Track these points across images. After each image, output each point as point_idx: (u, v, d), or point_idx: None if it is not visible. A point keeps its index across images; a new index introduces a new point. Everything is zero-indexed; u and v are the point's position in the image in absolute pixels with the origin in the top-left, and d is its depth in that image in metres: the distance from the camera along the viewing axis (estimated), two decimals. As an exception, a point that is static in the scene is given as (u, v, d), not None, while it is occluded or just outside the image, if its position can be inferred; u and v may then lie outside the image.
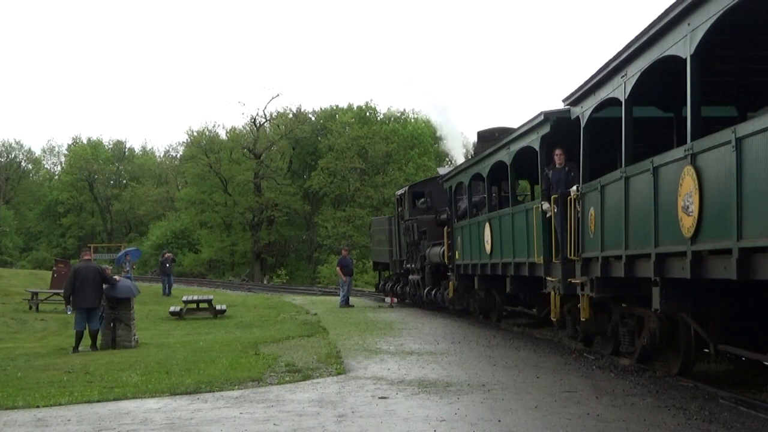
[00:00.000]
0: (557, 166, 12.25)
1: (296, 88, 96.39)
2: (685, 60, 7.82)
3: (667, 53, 8.26)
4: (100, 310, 15.04)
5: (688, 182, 7.68)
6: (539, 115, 12.37)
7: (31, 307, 23.23)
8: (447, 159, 53.33)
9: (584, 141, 11.29)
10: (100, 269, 15.10)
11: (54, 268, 29.50)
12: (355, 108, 65.99)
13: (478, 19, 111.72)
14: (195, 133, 67.06)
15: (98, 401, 8.68)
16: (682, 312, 9.18)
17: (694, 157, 7.61)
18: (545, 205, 12.38)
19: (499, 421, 7.08)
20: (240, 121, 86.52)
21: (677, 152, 8.17)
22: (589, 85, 10.77)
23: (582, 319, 11.43)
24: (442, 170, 26.86)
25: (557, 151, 12.22)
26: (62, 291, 16.81)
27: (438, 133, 46.82)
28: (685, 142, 7.84)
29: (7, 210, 77.12)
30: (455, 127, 38.15)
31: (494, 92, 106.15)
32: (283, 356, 12.25)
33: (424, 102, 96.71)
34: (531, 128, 12.99)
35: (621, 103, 9.77)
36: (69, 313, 16.07)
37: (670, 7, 7.88)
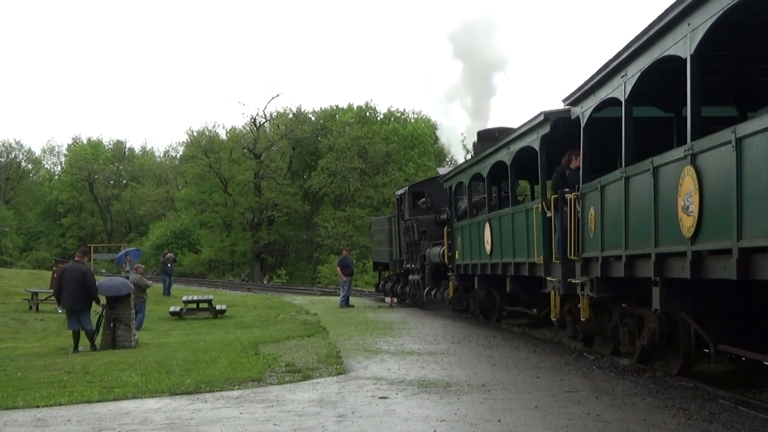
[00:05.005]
0: (572, 166, 12.10)
1: (296, 88, 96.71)
2: (685, 60, 7.82)
3: (667, 53, 8.25)
4: (88, 311, 14.90)
5: (688, 182, 7.67)
6: (539, 115, 12.36)
7: (31, 307, 23.21)
8: (447, 159, 53.35)
9: (584, 141, 11.29)
10: (87, 272, 14.83)
11: (54, 268, 29.45)
12: (355, 108, 66.01)
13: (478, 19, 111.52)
14: (195, 133, 67.17)
15: (98, 401, 8.68)
16: (682, 312, 9.18)
17: (694, 157, 7.60)
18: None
19: (499, 421, 7.08)
20: (240, 121, 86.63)
21: (677, 152, 8.17)
22: (589, 85, 10.76)
23: (582, 319, 11.42)
24: (442, 170, 26.84)
25: (570, 153, 12.05)
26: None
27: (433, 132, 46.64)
28: (685, 142, 7.84)
29: (7, 210, 77.13)
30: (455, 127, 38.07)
31: (494, 92, 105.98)
32: (283, 356, 12.24)
33: (424, 101, 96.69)
34: (531, 128, 12.98)
35: (621, 103, 9.77)
36: (60, 311, 15.98)
37: (670, 7, 7.88)
